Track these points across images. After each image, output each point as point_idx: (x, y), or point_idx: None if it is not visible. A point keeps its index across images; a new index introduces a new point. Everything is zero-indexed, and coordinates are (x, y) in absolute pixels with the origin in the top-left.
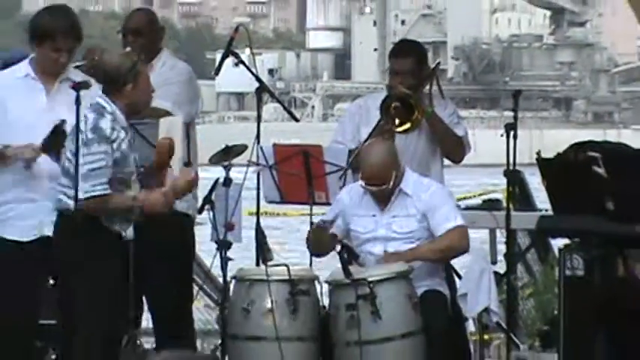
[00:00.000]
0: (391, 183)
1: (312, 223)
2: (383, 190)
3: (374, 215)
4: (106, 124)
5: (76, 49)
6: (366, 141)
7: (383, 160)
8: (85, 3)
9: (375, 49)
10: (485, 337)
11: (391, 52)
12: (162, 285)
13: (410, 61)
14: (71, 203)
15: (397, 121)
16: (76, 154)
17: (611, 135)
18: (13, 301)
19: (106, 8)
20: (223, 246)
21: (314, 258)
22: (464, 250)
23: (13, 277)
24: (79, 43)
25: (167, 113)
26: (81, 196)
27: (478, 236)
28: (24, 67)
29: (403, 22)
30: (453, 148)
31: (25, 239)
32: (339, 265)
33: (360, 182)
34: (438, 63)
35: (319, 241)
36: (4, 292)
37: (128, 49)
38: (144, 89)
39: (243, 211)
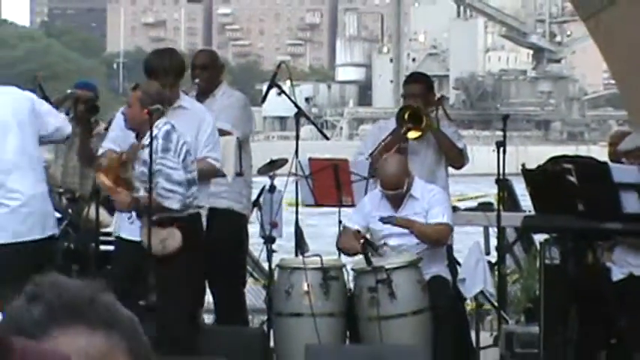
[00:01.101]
0: (404, 188)
1: (340, 222)
2: (398, 194)
3: (388, 213)
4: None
5: (177, 83)
6: (382, 141)
7: (397, 170)
8: (158, 45)
9: (391, 81)
10: (481, 313)
11: (405, 80)
12: (221, 271)
13: (419, 86)
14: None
15: (409, 128)
16: (150, 163)
17: (582, 150)
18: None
19: (183, 49)
20: (269, 241)
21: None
22: (442, 242)
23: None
24: (178, 79)
25: (227, 133)
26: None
27: (475, 230)
28: None
29: (414, 60)
30: (455, 157)
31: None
32: (362, 256)
33: (379, 188)
34: (443, 95)
35: (349, 248)
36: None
37: (197, 80)
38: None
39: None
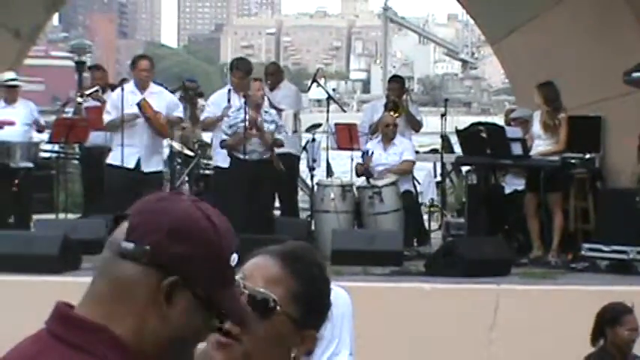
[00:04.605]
0: (393, 132)
1: (352, 159)
2: (389, 135)
3: (380, 154)
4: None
5: (245, 80)
6: (379, 121)
7: (393, 121)
8: (250, 59)
9: (381, 80)
10: (432, 211)
11: (389, 79)
12: (285, 186)
13: (398, 85)
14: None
15: (392, 112)
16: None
17: (489, 119)
18: None
19: (259, 60)
20: (311, 169)
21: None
22: (410, 170)
23: None
24: (247, 75)
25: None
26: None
27: (428, 165)
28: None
29: (394, 67)
30: (415, 125)
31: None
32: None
33: (376, 139)
34: (410, 88)
35: (361, 172)
36: None
37: (269, 82)
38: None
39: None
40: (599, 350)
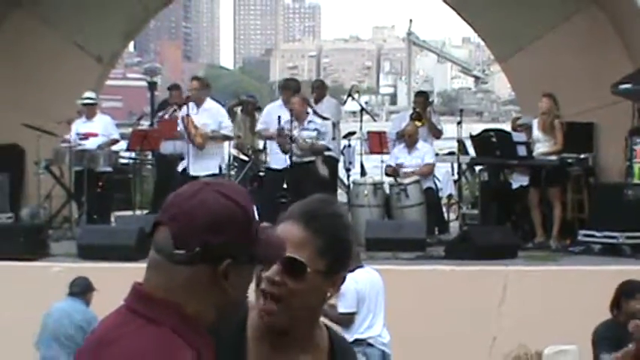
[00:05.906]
0: (416, 138)
1: (382, 161)
2: (413, 141)
3: (405, 157)
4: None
5: (293, 97)
6: (404, 128)
7: (414, 130)
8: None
9: (406, 94)
10: (450, 204)
11: (415, 94)
12: (325, 183)
13: (422, 99)
14: None
15: (416, 122)
16: (291, 133)
17: (498, 126)
18: None
19: (302, 78)
20: (348, 170)
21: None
22: (431, 172)
23: None
24: (296, 93)
25: (327, 118)
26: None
27: (446, 165)
28: (280, 101)
29: (417, 83)
30: (436, 133)
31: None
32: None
33: (402, 145)
34: (432, 101)
35: (392, 174)
36: None
37: (314, 95)
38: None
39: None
40: (612, 319)
